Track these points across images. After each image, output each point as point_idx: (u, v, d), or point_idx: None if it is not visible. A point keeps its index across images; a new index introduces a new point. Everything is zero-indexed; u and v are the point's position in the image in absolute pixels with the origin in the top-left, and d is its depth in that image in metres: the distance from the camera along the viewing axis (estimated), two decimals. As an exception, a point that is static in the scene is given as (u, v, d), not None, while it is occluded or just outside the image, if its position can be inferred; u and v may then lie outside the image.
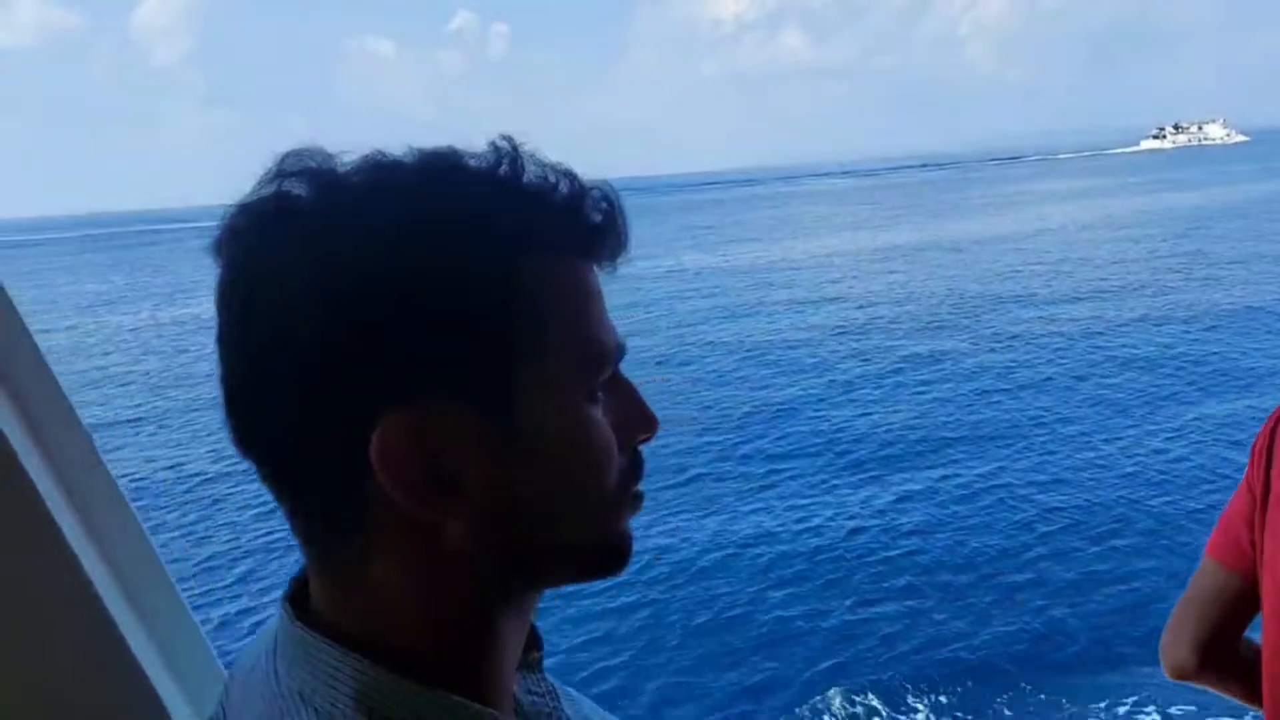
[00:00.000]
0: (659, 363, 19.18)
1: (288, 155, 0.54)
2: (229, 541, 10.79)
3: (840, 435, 13.80)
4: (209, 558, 10.39)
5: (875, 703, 7.35)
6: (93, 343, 26.36)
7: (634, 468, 0.60)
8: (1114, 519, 10.10)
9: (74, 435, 0.89)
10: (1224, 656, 1.37)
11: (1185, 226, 37.10)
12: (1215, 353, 16.80)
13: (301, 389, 0.51)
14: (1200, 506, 10.14)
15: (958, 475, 11.75)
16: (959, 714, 7.20)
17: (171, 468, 14.10)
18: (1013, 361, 17.47)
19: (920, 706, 7.29)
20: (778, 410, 15.34)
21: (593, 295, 0.58)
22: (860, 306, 24.45)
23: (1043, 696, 7.27)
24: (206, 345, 0.59)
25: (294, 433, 0.52)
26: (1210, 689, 1.40)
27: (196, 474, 13.52)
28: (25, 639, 0.85)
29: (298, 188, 0.53)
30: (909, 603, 8.78)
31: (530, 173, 0.55)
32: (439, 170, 0.54)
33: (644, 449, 0.63)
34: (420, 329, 0.50)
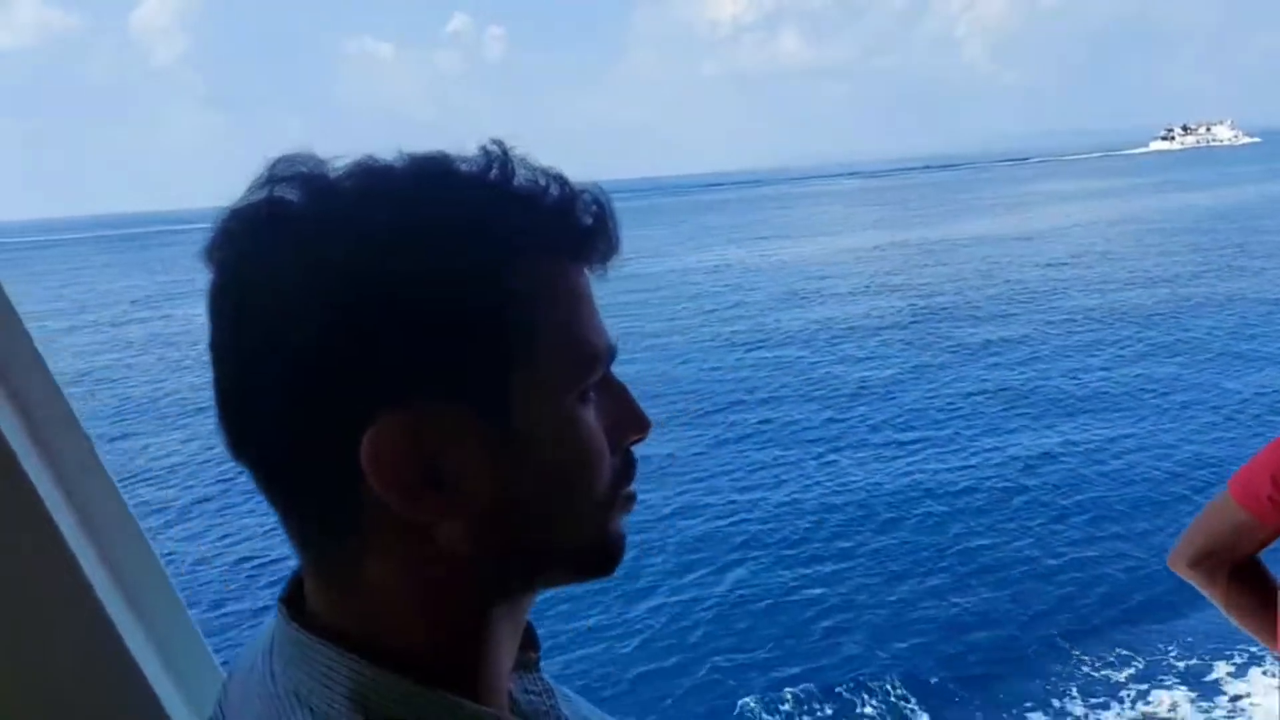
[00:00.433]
0: (760, 346, 20.58)
1: (279, 160, 0.55)
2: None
3: (955, 407, 14.83)
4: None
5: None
6: (172, 331, 27.04)
7: (626, 469, 0.61)
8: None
9: (72, 435, 0.89)
10: (1212, 568, 1.64)
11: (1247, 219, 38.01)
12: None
13: (295, 393, 0.51)
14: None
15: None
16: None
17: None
18: (1090, 339, 18.89)
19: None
20: (885, 386, 16.49)
21: (584, 297, 0.58)
22: (927, 295, 25.45)
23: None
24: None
25: (288, 437, 0.52)
26: (1197, 587, 1.69)
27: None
28: (23, 639, 0.85)
29: (289, 193, 0.53)
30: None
31: (521, 176, 0.56)
32: (430, 175, 0.55)
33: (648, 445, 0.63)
34: (412, 332, 0.51)
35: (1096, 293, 23.87)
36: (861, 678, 7.85)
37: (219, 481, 12.93)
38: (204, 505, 12.67)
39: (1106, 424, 13.57)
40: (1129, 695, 7.43)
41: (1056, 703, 7.42)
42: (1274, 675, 6.73)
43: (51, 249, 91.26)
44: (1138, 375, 15.97)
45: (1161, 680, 7.56)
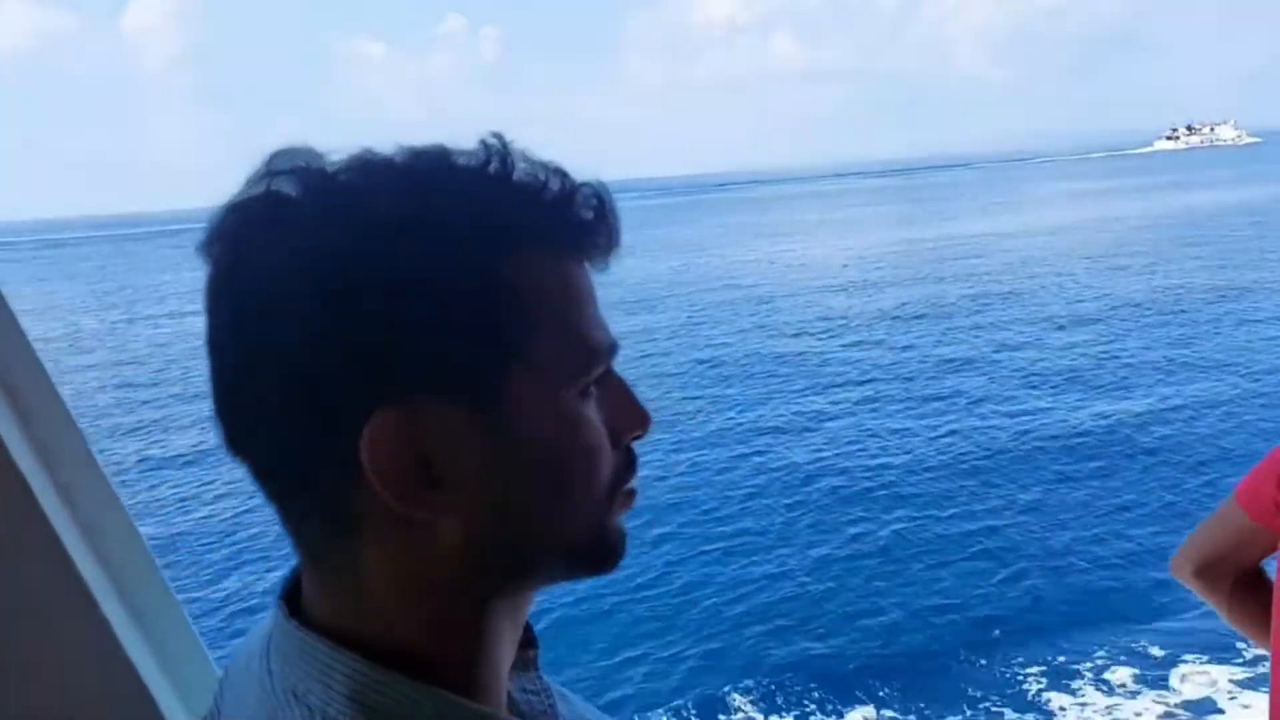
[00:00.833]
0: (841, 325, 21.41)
1: (276, 154, 0.54)
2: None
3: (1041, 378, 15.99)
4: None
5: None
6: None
7: (627, 465, 0.60)
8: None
9: (68, 434, 0.88)
10: (1216, 575, 1.63)
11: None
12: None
13: (291, 388, 0.50)
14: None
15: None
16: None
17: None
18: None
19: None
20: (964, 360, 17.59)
21: (584, 292, 0.57)
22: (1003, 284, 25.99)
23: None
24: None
25: (284, 432, 0.52)
26: (1199, 595, 1.68)
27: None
28: (19, 638, 0.85)
29: (287, 186, 0.52)
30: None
31: (520, 170, 0.55)
32: (428, 168, 0.54)
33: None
34: (411, 327, 0.50)
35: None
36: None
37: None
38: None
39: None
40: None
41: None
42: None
43: (72, 247, 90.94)
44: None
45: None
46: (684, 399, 16.06)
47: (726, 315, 24.64)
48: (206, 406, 0.55)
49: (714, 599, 9.18)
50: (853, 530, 10.41)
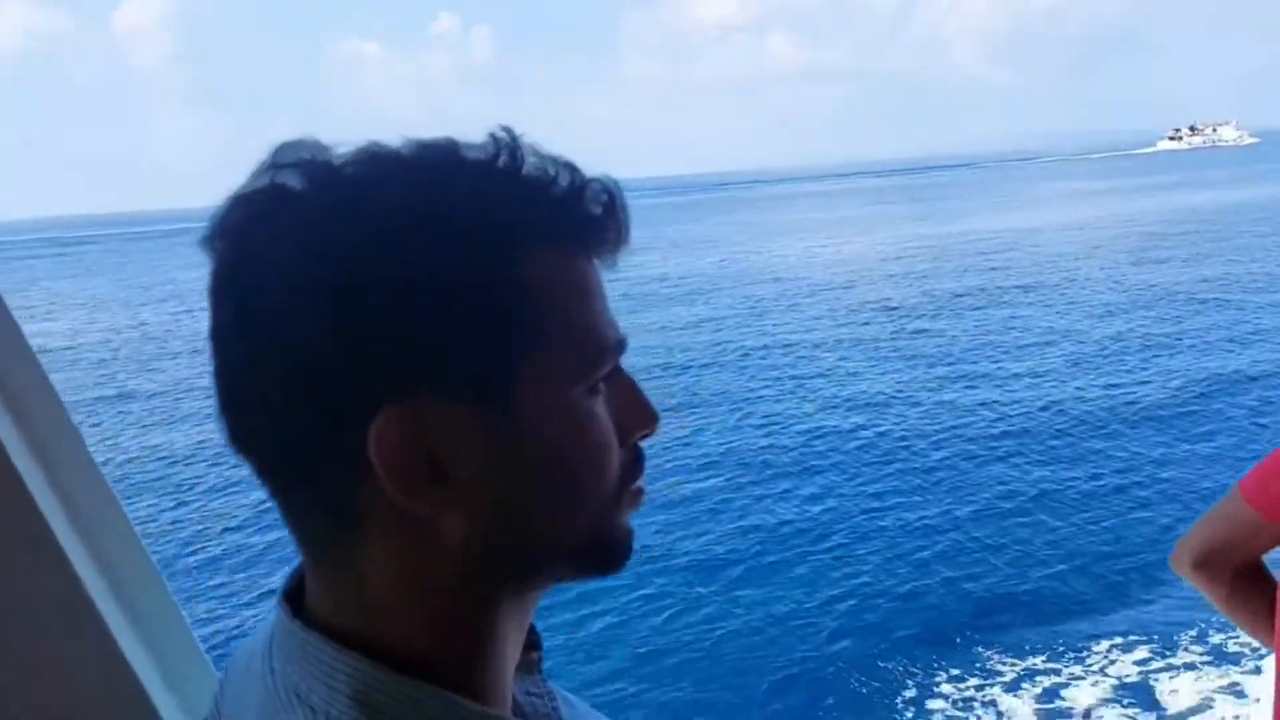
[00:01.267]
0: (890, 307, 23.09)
1: (282, 146, 0.53)
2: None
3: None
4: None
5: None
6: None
7: (635, 463, 0.60)
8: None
9: (66, 436, 0.89)
10: (1216, 569, 1.61)
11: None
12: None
13: (297, 384, 0.50)
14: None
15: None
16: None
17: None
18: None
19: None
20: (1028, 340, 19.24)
21: (593, 288, 0.57)
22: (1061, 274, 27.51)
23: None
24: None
25: (290, 429, 0.51)
26: (1198, 588, 1.65)
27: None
28: (16, 639, 0.85)
29: (293, 179, 0.51)
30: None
31: (529, 164, 0.54)
32: (437, 161, 0.53)
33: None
34: (418, 322, 0.50)
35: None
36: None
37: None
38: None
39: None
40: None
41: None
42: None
43: (85, 244, 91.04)
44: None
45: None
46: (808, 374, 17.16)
47: (797, 302, 25.66)
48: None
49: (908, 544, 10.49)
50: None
